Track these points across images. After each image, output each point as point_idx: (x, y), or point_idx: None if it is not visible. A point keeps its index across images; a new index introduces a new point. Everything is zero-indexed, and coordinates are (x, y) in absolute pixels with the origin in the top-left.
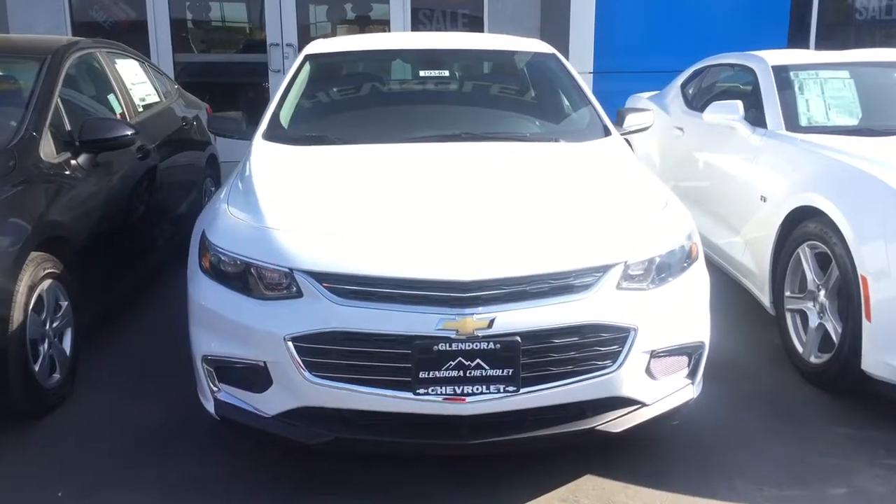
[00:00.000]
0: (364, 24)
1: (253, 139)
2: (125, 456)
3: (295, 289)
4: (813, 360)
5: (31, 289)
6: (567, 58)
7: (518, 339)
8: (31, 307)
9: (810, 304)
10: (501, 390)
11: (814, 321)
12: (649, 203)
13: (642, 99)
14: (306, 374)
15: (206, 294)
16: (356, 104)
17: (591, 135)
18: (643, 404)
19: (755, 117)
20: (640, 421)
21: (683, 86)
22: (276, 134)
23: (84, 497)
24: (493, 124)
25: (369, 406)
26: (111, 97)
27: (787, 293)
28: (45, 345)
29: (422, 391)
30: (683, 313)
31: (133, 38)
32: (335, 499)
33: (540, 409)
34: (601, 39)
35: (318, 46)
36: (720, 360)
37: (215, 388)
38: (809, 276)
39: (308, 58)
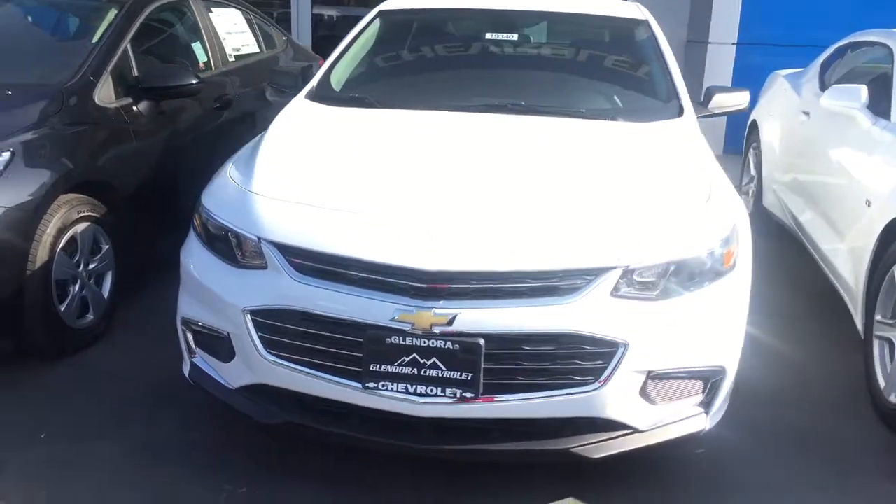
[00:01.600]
0: None
1: (294, 97)
2: (124, 409)
3: (263, 260)
4: (893, 399)
5: (62, 230)
6: (708, 26)
7: (481, 341)
8: (59, 247)
9: None
10: (458, 395)
11: None
12: (684, 198)
13: (779, 77)
14: (262, 350)
15: (191, 255)
16: (414, 67)
17: (660, 114)
18: (634, 430)
19: (884, 107)
20: (627, 448)
21: (824, 65)
22: (320, 93)
23: (64, 442)
24: (550, 96)
25: (321, 393)
26: (196, 45)
27: (878, 317)
28: (77, 286)
29: (371, 385)
30: (701, 332)
31: None
32: (301, 483)
33: (506, 420)
34: (751, 4)
35: (392, 2)
36: (787, 384)
37: (192, 352)
38: None
39: (380, 14)
